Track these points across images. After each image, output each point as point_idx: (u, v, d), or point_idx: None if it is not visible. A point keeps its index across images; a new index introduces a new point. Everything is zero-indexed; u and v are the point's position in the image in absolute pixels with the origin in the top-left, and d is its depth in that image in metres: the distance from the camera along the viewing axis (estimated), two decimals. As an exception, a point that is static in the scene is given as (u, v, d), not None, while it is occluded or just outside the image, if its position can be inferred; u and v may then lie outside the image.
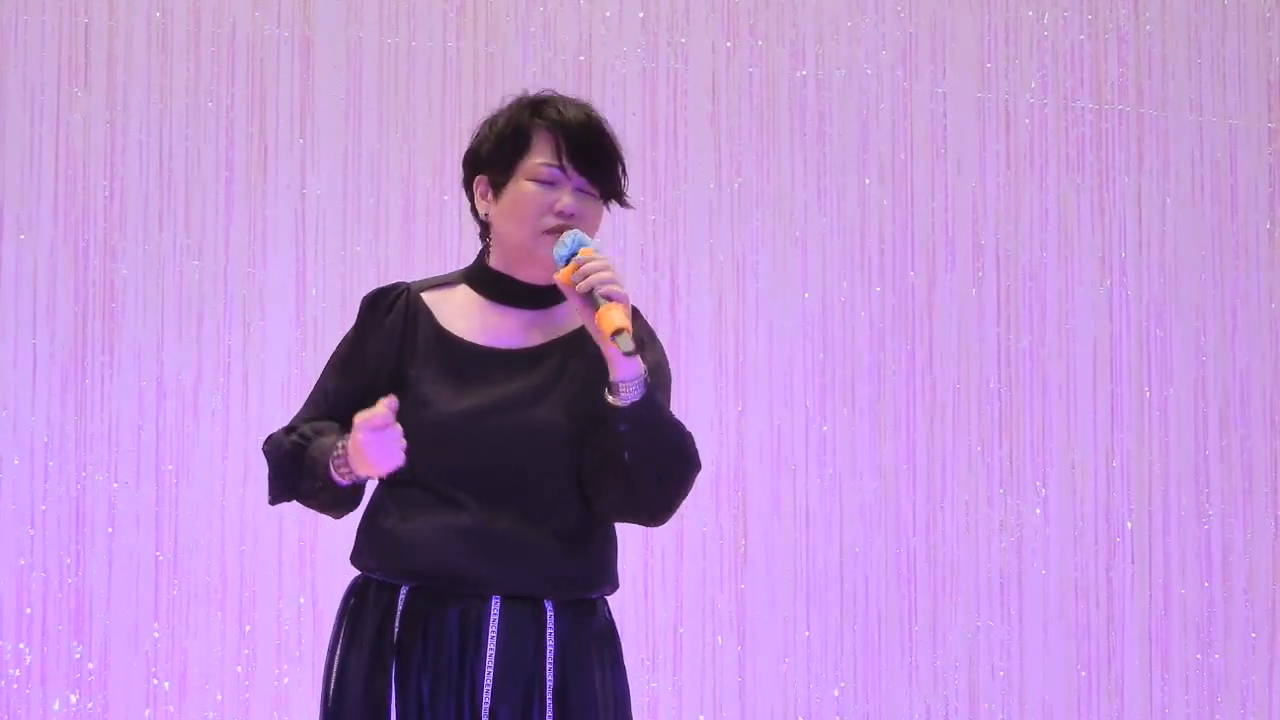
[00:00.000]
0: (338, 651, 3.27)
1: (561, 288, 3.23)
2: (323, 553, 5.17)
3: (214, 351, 5.21)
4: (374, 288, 3.38)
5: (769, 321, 5.44)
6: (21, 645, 5.11)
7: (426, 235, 5.29)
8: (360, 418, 3.13)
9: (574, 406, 3.25)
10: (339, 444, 3.20)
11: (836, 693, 5.41)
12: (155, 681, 5.12)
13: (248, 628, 5.16)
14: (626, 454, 3.19)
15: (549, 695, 3.21)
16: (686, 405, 5.18)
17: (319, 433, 3.27)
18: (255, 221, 5.25)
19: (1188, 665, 5.57)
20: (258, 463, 5.11)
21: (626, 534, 3.37)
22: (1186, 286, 5.65)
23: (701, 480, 3.42)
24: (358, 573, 3.33)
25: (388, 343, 3.30)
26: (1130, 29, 5.68)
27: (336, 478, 3.21)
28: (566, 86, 5.37)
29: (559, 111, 3.30)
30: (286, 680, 5.16)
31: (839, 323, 5.49)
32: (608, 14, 5.43)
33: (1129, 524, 5.57)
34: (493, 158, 3.32)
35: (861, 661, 5.42)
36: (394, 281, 3.39)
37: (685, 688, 5.33)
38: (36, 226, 5.17)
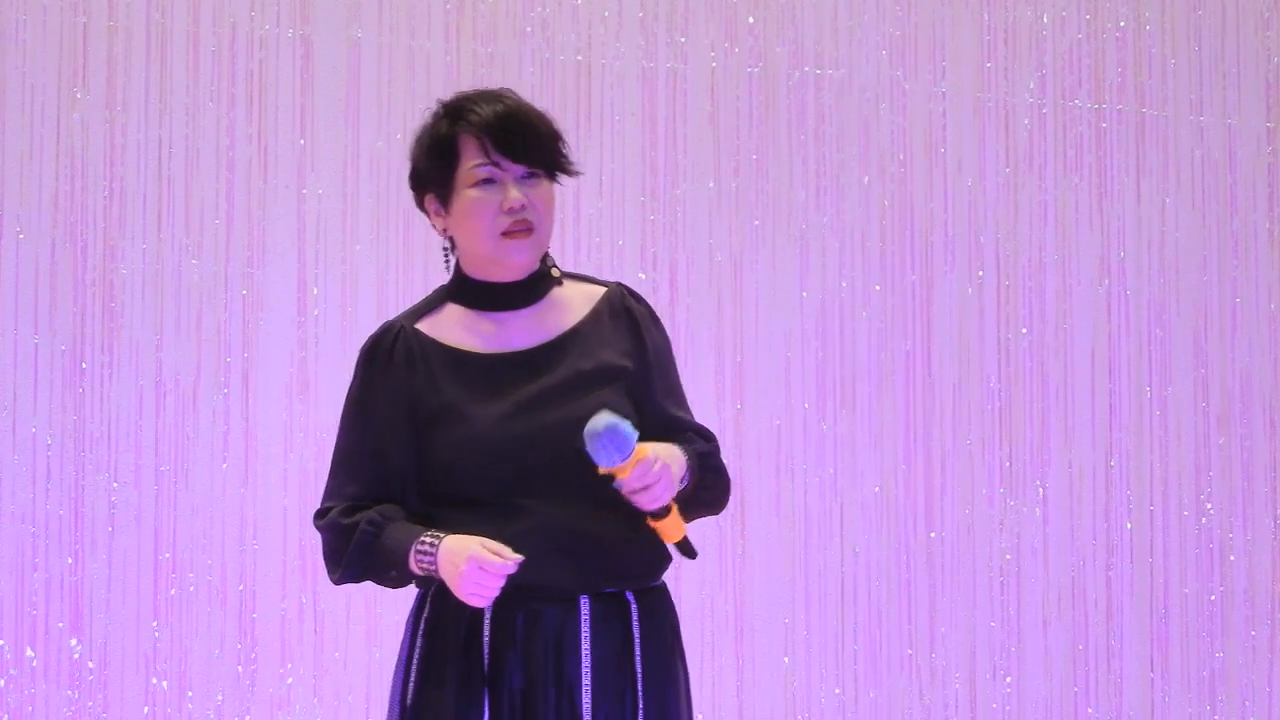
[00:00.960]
0: (414, 663, 3.27)
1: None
2: (323, 553, 5.16)
3: (214, 351, 5.21)
4: (368, 337, 3.37)
5: (769, 321, 5.44)
6: (22, 645, 5.11)
7: (426, 235, 5.28)
8: (484, 549, 3.12)
9: (599, 393, 3.27)
10: (423, 537, 3.19)
11: (837, 692, 5.41)
12: (155, 681, 5.12)
13: (248, 627, 5.16)
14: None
15: (640, 685, 3.24)
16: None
17: (387, 517, 3.25)
18: (255, 221, 5.24)
19: (1188, 665, 5.57)
20: (257, 462, 5.16)
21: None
22: (1186, 286, 5.65)
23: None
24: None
25: (398, 388, 3.30)
26: (1130, 29, 5.68)
27: (415, 568, 3.21)
28: (566, 86, 5.40)
29: (475, 110, 3.29)
30: (290, 680, 5.16)
31: (839, 323, 5.49)
32: (606, 14, 5.43)
33: (1129, 524, 5.57)
34: (431, 174, 3.33)
35: (861, 661, 5.42)
36: (383, 324, 3.38)
37: (685, 687, 5.33)
38: (36, 226, 5.17)
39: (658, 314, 3.43)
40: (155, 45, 5.25)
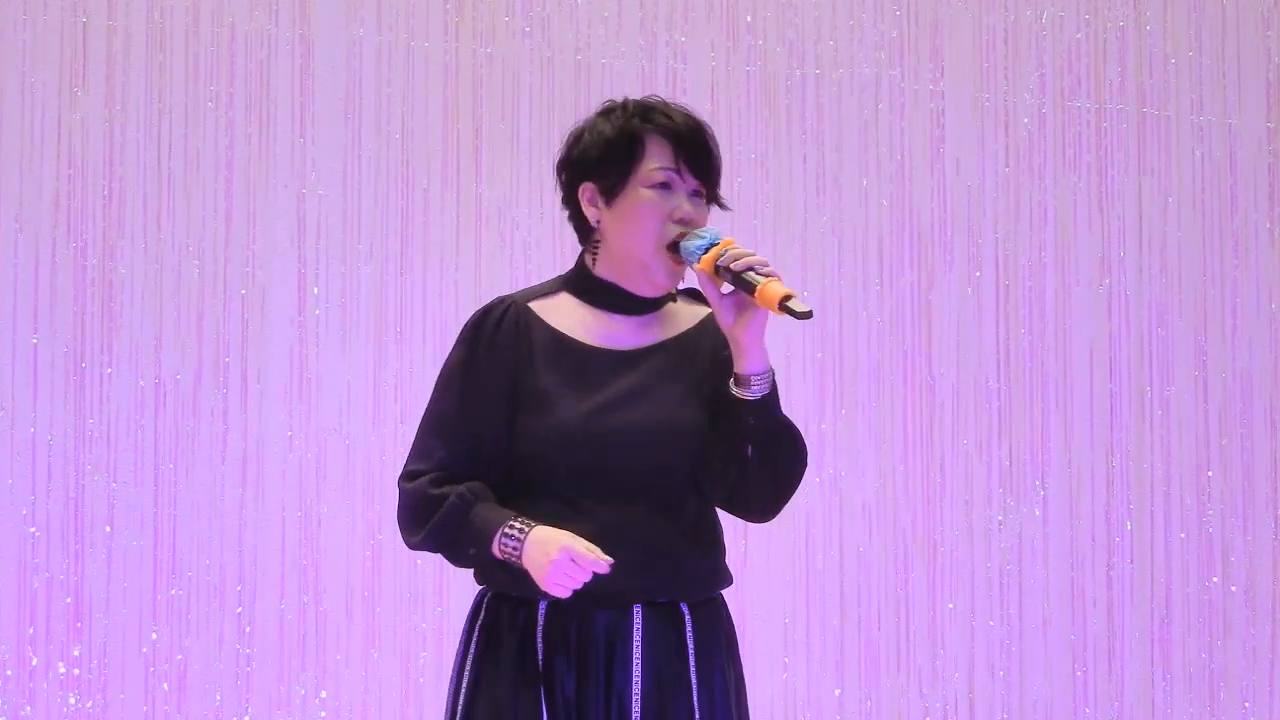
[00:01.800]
0: (468, 668, 3.28)
1: (701, 279, 3.24)
2: (325, 552, 5.17)
3: (214, 351, 5.21)
4: (478, 308, 3.34)
5: (769, 321, 5.43)
6: (22, 645, 5.11)
7: (426, 234, 5.30)
8: (576, 544, 3.14)
9: (688, 402, 3.28)
10: (513, 522, 3.20)
11: (837, 692, 5.41)
12: (155, 682, 5.12)
13: (247, 628, 5.16)
14: (749, 449, 3.28)
15: (695, 698, 3.25)
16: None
17: (476, 495, 3.24)
18: (255, 221, 5.25)
19: (1188, 665, 5.57)
20: (257, 462, 5.16)
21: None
22: (1187, 286, 5.65)
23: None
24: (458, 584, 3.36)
25: (502, 360, 3.28)
26: (1130, 29, 5.68)
27: (496, 551, 3.21)
28: (565, 86, 5.40)
29: (668, 116, 3.33)
30: (289, 681, 5.16)
31: (839, 323, 5.49)
32: (606, 14, 5.43)
33: (1129, 524, 5.57)
34: (603, 165, 3.32)
35: (862, 661, 5.42)
36: (496, 298, 3.36)
37: (685, 687, 5.32)
38: (36, 226, 5.18)
39: None
40: (155, 45, 5.25)
